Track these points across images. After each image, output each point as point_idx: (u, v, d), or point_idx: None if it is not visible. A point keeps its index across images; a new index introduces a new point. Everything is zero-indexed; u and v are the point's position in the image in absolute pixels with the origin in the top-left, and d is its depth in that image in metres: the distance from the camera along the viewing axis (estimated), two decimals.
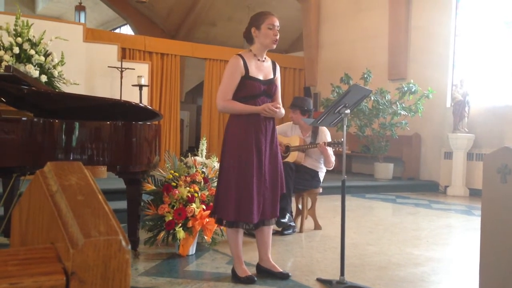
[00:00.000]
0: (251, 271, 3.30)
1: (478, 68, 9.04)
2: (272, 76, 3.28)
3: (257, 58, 3.24)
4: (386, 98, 8.82)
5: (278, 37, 3.20)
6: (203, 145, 4.27)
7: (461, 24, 9.30)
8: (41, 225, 0.62)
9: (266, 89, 3.23)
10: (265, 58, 3.29)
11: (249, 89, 3.16)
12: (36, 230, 0.63)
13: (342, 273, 3.14)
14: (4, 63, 5.90)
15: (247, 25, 3.26)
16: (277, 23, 3.18)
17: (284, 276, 3.29)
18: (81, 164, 0.67)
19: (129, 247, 0.55)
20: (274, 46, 3.22)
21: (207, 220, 3.68)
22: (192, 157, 4.08)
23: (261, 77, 3.21)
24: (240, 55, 3.22)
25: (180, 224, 3.64)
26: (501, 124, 8.32)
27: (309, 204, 5.03)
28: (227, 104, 3.18)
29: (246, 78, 3.16)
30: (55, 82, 6.39)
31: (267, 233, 3.37)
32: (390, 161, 9.40)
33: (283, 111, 3.26)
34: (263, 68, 3.25)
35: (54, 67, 6.35)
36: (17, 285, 0.50)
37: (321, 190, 5.03)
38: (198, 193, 3.76)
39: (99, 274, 0.52)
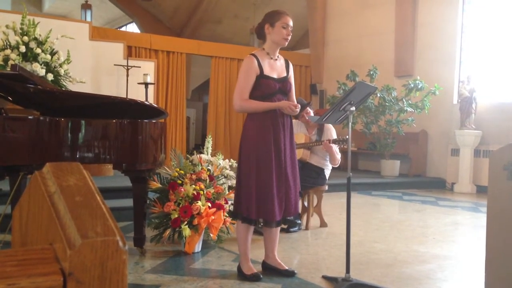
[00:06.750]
0: (257, 269, 3.30)
1: (485, 64, 8.98)
2: (285, 74, 3.32)
3: (270, 56, 3.27)
4: (393, 95, 8.79)
5: (290, 37, 3.24)
6: (209, 143, 4.27)
7: (468, 21, 9.24)
8: (40, 225, 0.62)
9: (281, 87, 3.26)
10: (278, 57, 3.31)
11: (265, 88, 3.19)
12: (36, 230, 0.63)
13: (347, 271, 3.13)
14: (10, 62, 5.93)
15: (261, 21, 3.29)
16: (291, 23, 3.23)
17: (289, 274, 3.29)
18: (79, 165, 0.67)
19: (126, 247, 0.56)
20: (286, 44, 3.27)
21: (213, 217, 3.69)
22: (198, 155, 4.09)
23: (275, 76, 3.24)
24: (253, 54, 3.25)
25: (186, 222, 3.65)
26: (508, 120, 8.27)
27: (315, 202, 5.02)
28: (245, 104, 3.19)
29: (261, 77, 3.18)
30: (61, 80, 6.42)
31: (275, 230, 3.38)
32: (396, 158, 9.36)
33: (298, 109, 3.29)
34: (276, 67, 3.28)
35: (60, 65, 6.38)
36: (14, 286, 0.50)
37: (327, 187, 5.03)
38: (203, 191, 3.76)
39: (96, 275, 0.52)
